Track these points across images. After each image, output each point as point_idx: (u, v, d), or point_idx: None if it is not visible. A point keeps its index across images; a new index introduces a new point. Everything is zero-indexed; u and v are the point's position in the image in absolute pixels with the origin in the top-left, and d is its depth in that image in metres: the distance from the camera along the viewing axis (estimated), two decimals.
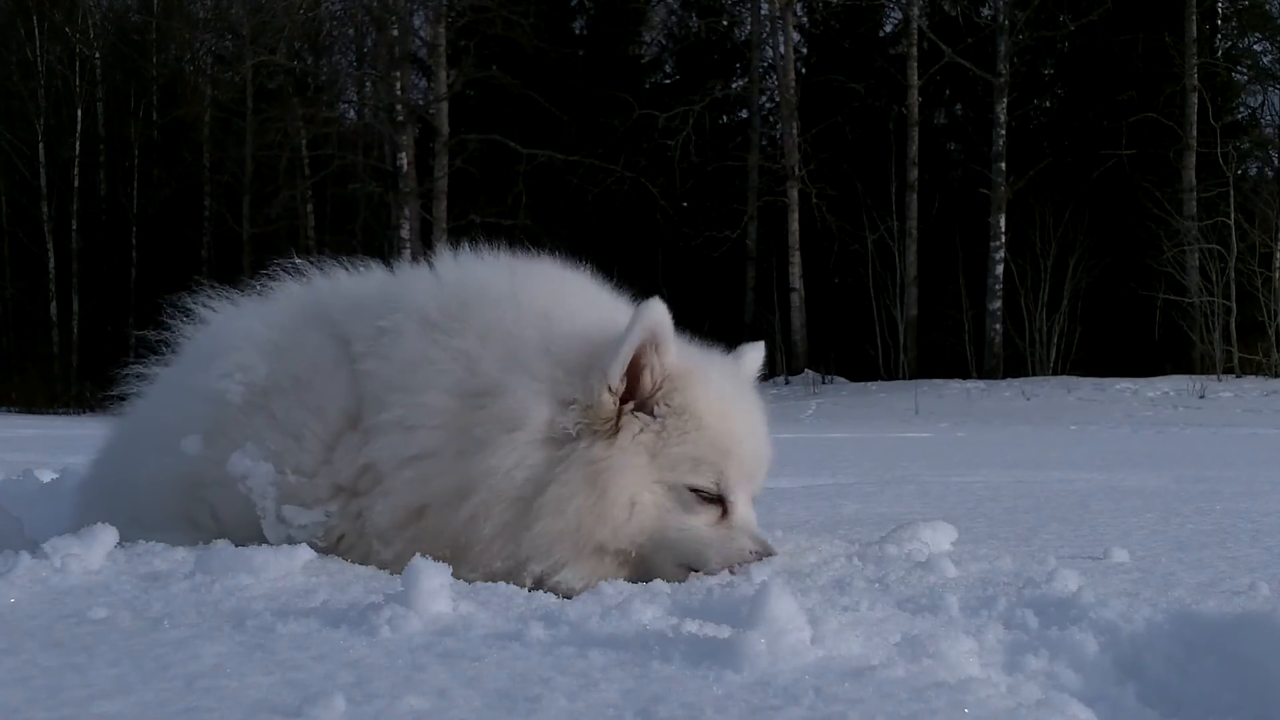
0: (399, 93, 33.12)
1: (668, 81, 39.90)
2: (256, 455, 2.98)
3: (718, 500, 3.01)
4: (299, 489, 2.96)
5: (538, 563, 2.87)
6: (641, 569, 2.95)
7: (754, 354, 3.49)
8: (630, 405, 2.97)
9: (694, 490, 2.99)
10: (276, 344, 3.16)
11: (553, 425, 2.90)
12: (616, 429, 2.94)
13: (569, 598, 2.68)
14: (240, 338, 3.21)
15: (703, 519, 3.00)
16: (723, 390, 3.12)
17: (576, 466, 2.88)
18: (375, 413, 2.97)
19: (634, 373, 2.97)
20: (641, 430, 2.97)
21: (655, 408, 2.99)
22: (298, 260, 3.50)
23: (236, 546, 2.78)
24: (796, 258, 32.66)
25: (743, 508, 3.05)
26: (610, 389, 2.93)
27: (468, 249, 3.37)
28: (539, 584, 2.86)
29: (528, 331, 3.04)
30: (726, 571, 2.93)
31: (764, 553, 3.01)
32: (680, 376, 3.02)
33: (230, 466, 2.98)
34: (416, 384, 2.97)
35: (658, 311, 2.95)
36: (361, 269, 3.48)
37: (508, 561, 2.86)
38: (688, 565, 2.95)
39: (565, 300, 3.20)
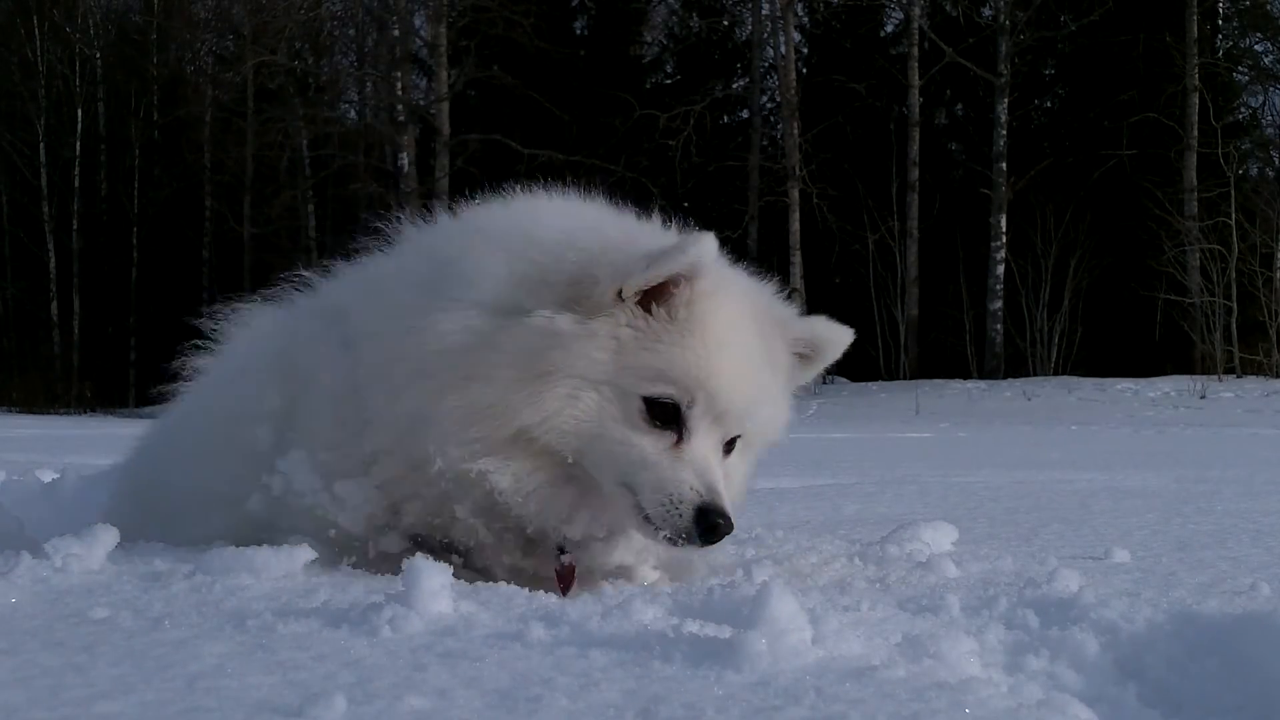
0: (400, 93, 33.15)
1: (669, 82, 39.90)
2: (294, 456, 2.83)
3: (673, 425, 2.69)
4: (334, 463, 2.81)
5: (454, 444, 2.62)
6: (582, 483, 2.70)
7: (826, 332, 3.05)
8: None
9: (648, 401, 2.67)
10: (283, 348, 3.03)
11: (506, 295, 2.66)
12: (597, 313, 2.66)
13: (503, 500, 2.61)
14: (251, 359, 3.10)
15: (650, 439, 2.68)
16: (732, 321, 2.78)
17: (525, 334, 2.62)
18: (359, 347, 2.81)
19: (654, 291, 2.68)
20: (626, 324, 2.67)
21: (655, 310, 2.69)
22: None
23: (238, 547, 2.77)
24: (797, 258, 32.65)
25: (701, 441, 2.71)
26: (621, 296, 2.66)
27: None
28: (462, 483, 2.65)
29: (510, 218, 2.86)
30: (665, 515, 2.62)
31: (708, 502, 2.64)
32: (700, 295, 2.71)
33: (270, 485, 2.84)
34: (384, 288, 2.83)
35: (707, 245, 2.66)
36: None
37: (425, 445, 2.63)
38: (626, 485, 2.67)
39: (563, 209, 2.95)
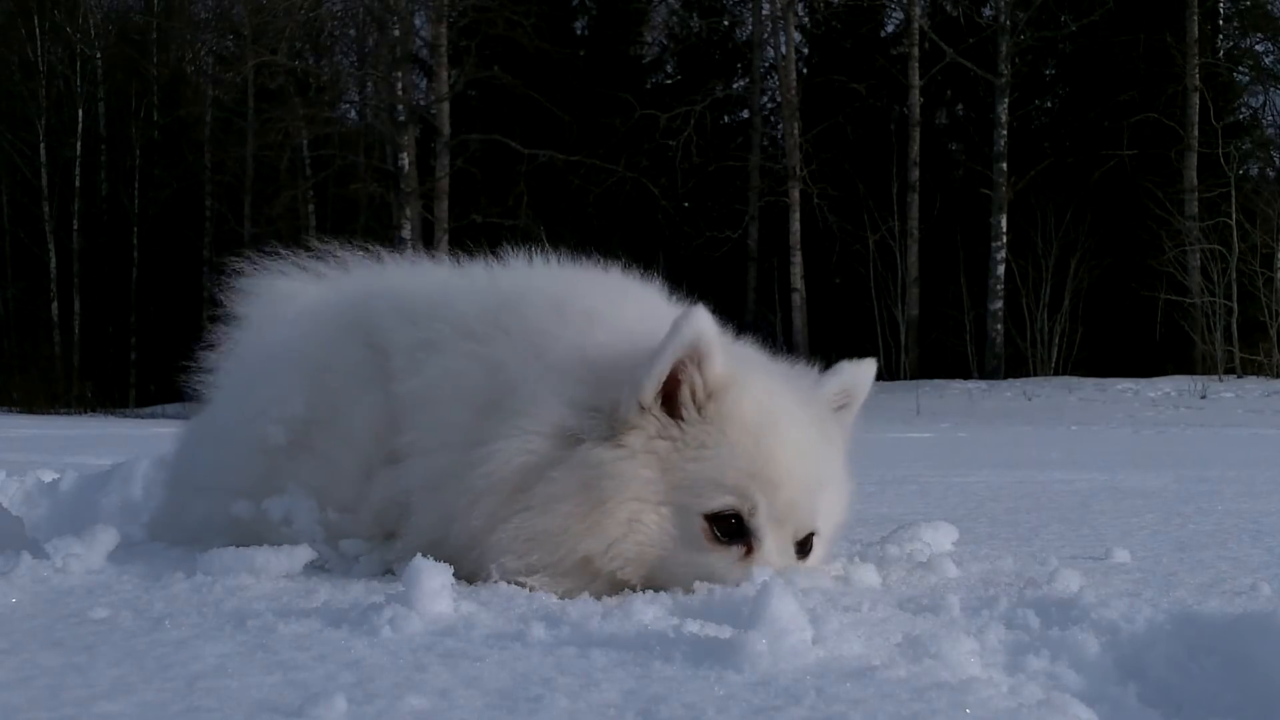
0: (400, 93, 33.14)
1: (669, 82, 39.88)
2: (298, 494, 2.83)
3: (741, 537, 2.58)
4: (342, 525, 2.80)
5: (513, 559, 2.55)
6: None
7: (854, 373, 2.96)
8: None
9: (710, 519, 2.56)
10: (315, 363, 2.98)
11: (564, 423, 2.58)
12: (629, 429, 2.58)
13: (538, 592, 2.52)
14: (278, 362, 3.07)
15: (718, 557, 2.57)
16: (767, 403, 2.66)
17: (574, 468, 2.54)
18: (401, 435, 2.76)
19: (670, 388, 2.60)
20: (657, 435, 2.58)
21: (684, 412, 2.60)
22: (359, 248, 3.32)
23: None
24: (798, 258, 32.65)
25: (772, 549, 2.58)
26: (641, 405, 2.58)
27: (530, 252, 3.07)
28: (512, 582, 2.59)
29: (565, 332, 2.74)
30: None
31: None
32: (722, 385, 2.61)
33: (269, 511, 2.83)
34: (438, 400, 2.73)
35: (700, 320, 2.56)
36: (416, 263, 3.30)
37: (482, 552, 2.57)
38: None
39: (615, 304, 2.87)
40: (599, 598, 2.50)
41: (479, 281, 3.07)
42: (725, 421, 2.60)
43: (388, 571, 2.74)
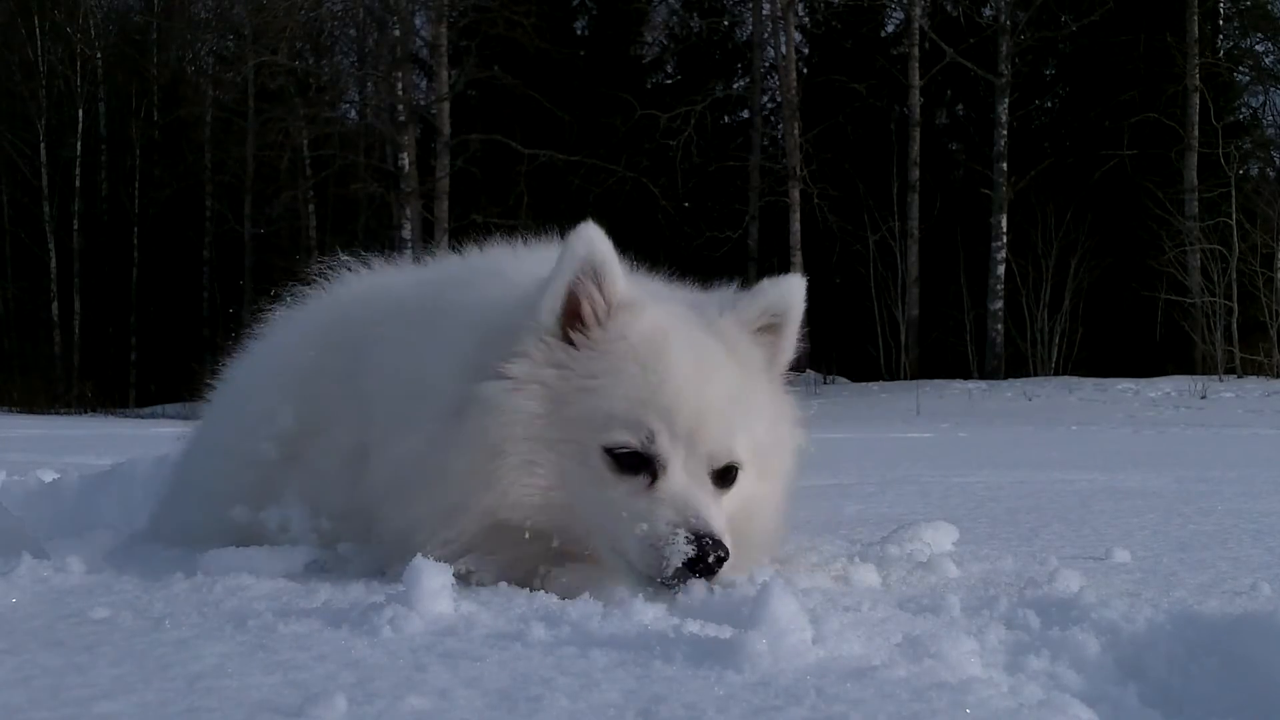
0: (400, 93, 33.13)
1: (669, 82, 39.90)
2: (292, 503, 2.82)
3: (645, 466, 2.46)
4: (337, 532, 2.78)
5: (433, 544, 2.43)
6: (586, 563, 2.48)
7: (777, 291, 2.75)
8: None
9: (610, 452, 2.44)
10: (300, 374, 2.98)
11: (458, 387, 2.51)
12: (514, 359, 2.47)
13: (484, 585, 2.46)
14: (266, 376, 3.09)
15: (623, 490, 2.45)
16: (657, 326, 2.51)
17: (464, 421, 2.44)
18: (368, 434, 2.73)
19: (572, 309, 2.49)
20: (545, 362, 2.46)
21: (587, 334, 2.48)
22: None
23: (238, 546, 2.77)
24: (798, 258, 32.63)
25: (677, 474, 2.45)
26: (542, 333, 2.48)
27: (514, 238, 3.02)
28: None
29: (470, 296, 2.71)
30: (651, 560, 2.37)
31: (698, 534, 2.36)
32: (623, 304, 2.50)
33: (266, 520, 2.82)
34: (384, 394, 2.70)
35: (590, 236, 2.47)
36: (397, 262, 3.30)
37: (415, 545, 2.46)
38: (616, 549, 2.44)
39: (522, 261, 2.83)
40: (535, 570, 2.44)
41: (432, 270, 3.09)
42: (614, 348, 2.48)
43: (382, 572, 2.72)
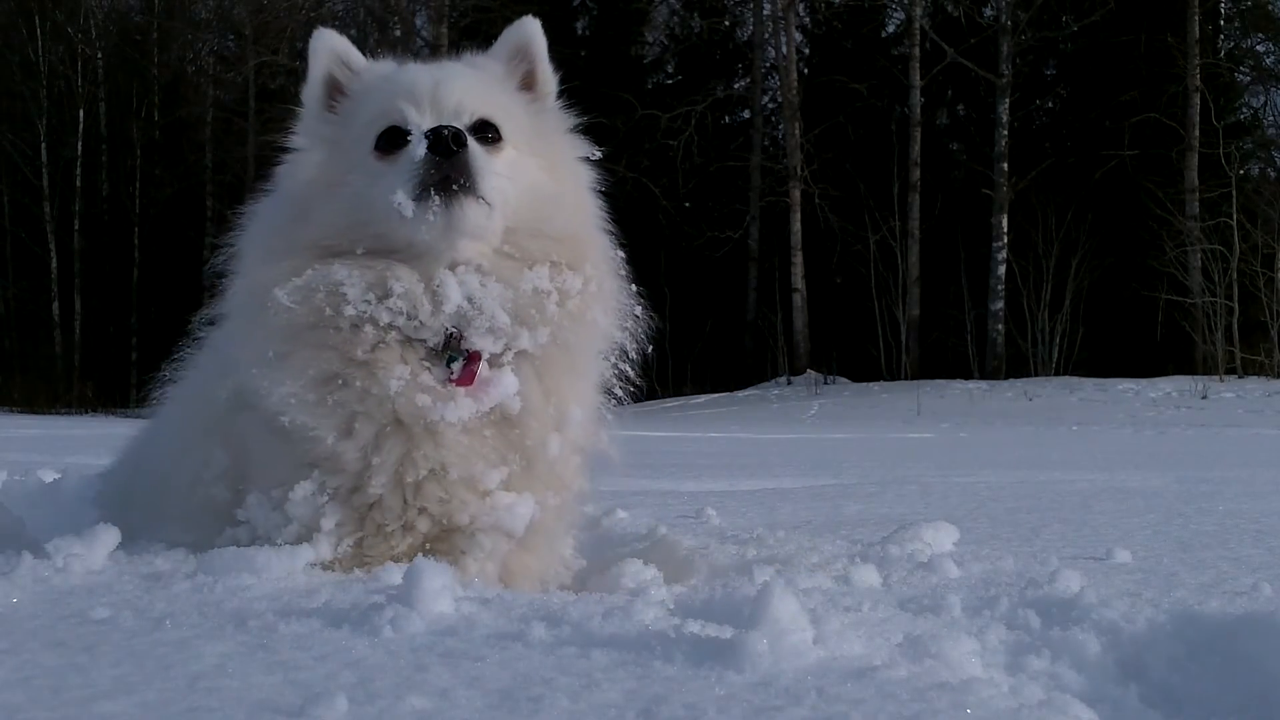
0: None
1: (670, 82, 39.92)
2: (253, 528, 2.84)
3: (403, 139, 2.78)
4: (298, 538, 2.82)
5: (286, 291, 2.77)
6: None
7: (509, 34, 3.35)
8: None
9: (375, 146, 2.81)
10: (214, 414, 3.02)
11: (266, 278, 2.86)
12: (292, 136, 2.96)
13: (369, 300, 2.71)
14: (193, 422, 3.12)
15: (390, 167, 2.80)
16: (389, 65, 3.04)
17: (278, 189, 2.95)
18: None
19: (333, 91, 2.96)
20: (316, 122, 2.93)
21: (334, 103, 2.95)
22: None
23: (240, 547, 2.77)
24: (799, 258, 32.65)
25: (427, 130, 2.74)
26: (312, 115, 2.94)
27: None
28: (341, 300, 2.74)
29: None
30: (414, 181, 2.68)
31: (431, 130, 2.69)
32: (366, 66, 3.00)
33: (239, 538, 2.84)
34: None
35: (329, 33, 2.98)
36: None
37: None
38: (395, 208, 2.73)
39: None
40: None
41: None
42: (364, 82, 2.95)
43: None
